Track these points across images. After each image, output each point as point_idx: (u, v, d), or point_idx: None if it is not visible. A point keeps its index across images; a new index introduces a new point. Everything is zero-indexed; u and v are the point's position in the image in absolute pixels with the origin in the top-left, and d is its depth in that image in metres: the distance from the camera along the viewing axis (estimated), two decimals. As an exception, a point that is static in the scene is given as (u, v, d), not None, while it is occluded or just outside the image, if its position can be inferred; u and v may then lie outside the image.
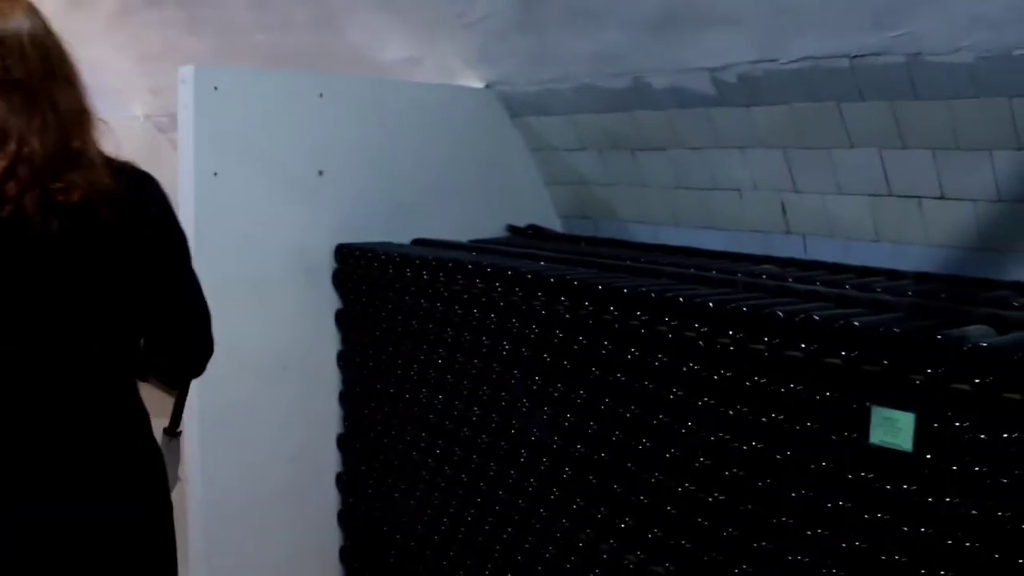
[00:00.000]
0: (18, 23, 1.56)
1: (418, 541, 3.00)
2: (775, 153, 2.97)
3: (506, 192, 3.74)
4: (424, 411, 2.92)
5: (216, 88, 2.97)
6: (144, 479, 1.75)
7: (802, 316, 1.94)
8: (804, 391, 1.92)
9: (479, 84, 3.63)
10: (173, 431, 2.00)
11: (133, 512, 1.71)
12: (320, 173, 3.18)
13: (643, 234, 3.48)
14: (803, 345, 1.91)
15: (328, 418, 3.28)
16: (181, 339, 1.80)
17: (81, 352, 1.62)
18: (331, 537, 3.33)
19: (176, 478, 1.98)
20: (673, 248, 3.17)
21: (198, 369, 1.89)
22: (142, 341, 1.75)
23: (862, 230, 2.88)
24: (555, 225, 3.83)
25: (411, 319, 2.93)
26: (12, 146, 1.50)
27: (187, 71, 2.97)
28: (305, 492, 3.26)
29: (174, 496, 1.96)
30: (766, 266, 2.79)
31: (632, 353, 2.25)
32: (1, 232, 1.49)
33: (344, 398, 3.26)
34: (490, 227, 3.65)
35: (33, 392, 1.59)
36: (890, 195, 2.76)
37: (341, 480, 3.29)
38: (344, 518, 3.31)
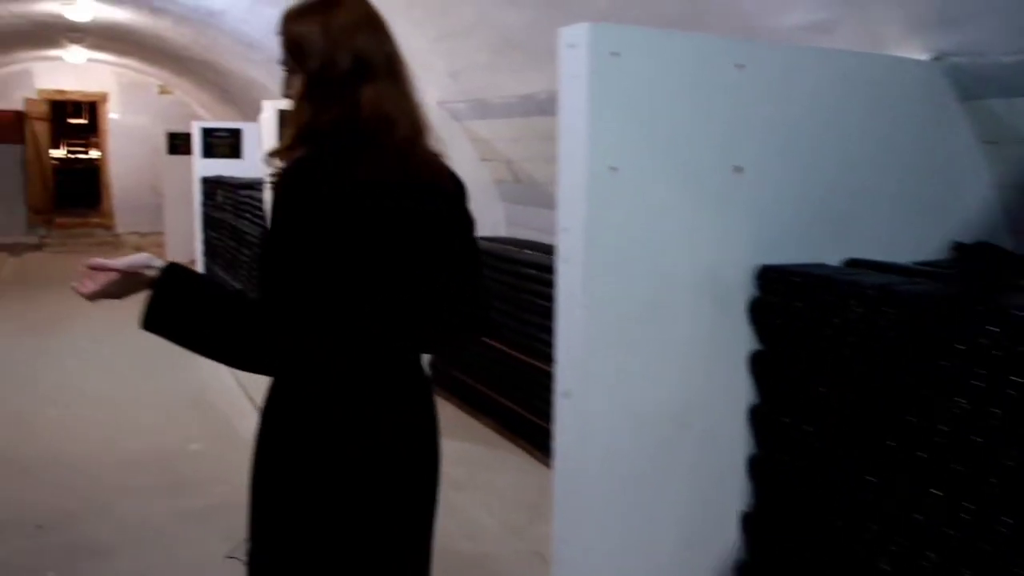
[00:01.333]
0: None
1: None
2: None
3: (943, 198, 2.87)
4: (889, 498, 2.11)
5: (616, 54, 2.26)
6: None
7: None
8: None
9: (922, 55, 2.78)
10: None
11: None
12: (737, 170, 2.43)
13: None
14: None
15: (730, 490, 2.52)
16: (465, 302, 1.92)
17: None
18: (725, 643, 2.59)
19: None
20: None
21: (472, 335, 2.04)
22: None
23: None
24: (1003, 241, 2.93)
25: (890, 376, 2.12)
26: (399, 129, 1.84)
27: (578, 31, 2.25)
28: (697, 583, 2.53)
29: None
30: None
31: None
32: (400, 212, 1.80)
33: (755, 465, 2.50)
34: (925, 243, 2.79)
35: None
36: None
37: (743, 571, 2.53)
38: (745, 622, 2.55)
